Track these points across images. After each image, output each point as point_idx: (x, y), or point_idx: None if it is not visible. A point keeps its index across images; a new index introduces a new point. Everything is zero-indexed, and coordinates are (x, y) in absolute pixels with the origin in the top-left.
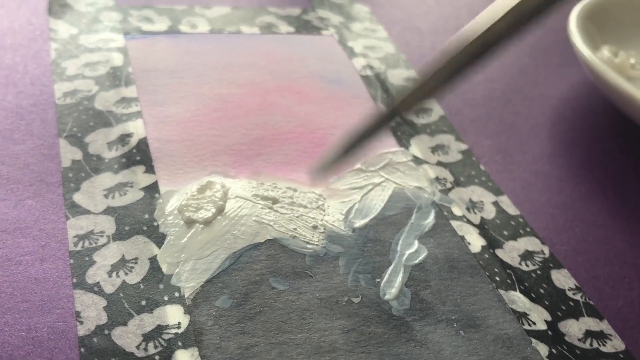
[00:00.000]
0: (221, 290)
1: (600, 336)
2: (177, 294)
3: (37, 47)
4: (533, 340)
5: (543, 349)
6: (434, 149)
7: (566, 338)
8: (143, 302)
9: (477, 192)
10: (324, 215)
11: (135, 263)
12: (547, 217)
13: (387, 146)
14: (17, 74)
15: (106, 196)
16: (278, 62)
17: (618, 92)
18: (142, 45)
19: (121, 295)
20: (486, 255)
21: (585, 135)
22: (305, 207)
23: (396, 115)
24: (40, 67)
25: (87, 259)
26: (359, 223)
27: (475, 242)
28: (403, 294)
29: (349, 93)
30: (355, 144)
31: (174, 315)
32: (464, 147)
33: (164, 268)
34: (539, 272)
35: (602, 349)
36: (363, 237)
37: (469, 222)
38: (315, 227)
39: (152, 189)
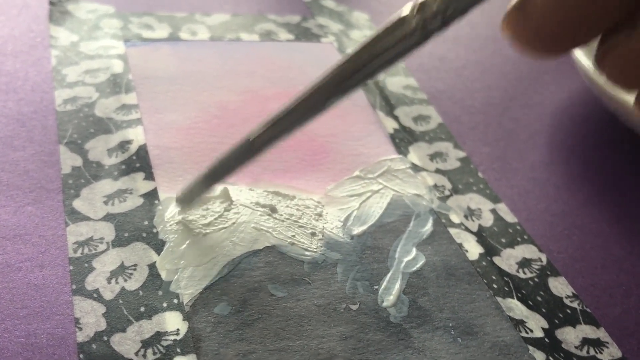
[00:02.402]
0: (220, 297)
1: (597, 344)
2: (175, 301)
3: (37, 54)
4: (530, 347)
5: (540, 357)
6: (433, 157)
7: (563, 346)
8: (142, 309)
9: (475, 200)
10: (323, 222)
11: (135, 270)
12: (544, 224)
13: (385, 153)
14: (17, 80)
15: (106, 203)
16: (277, 69)
17: (616, 100)
18: (142, 52)
19: (120, 301)
20: (484, 263)
21: (583, 143)
22: (304, 214)
23: (253, 149)
24: (41, 74)
25: (86, 265)
26: (357, 230)
27: (473, 250)
28: (401, 301)
29: (347, 101)
30: (217, 174)
31: (173, 322)
32: (462, 154)
33: (163, 275)
34: (536, 279)
35: (599, 356)
36: (361, 244)
37: (466, 229)
38: (313, 234)
39: (151, 196)
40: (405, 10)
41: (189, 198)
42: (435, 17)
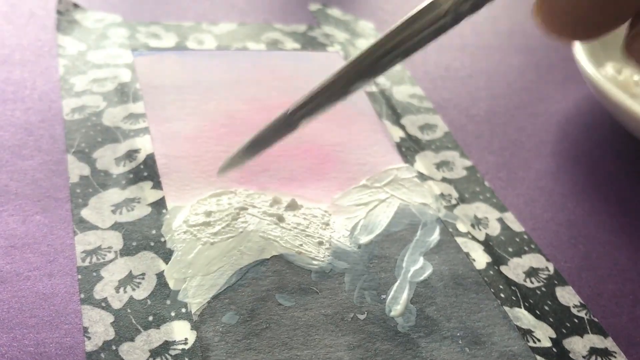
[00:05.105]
0: (228, 306)
1: (605, 353)
2: (184, 310)
3: (45, 63)
4: (538, 357)
5: None
6: (439, 166)
7: (571, 355)
8: (150, 318)
9: (481, 209)
10: (330, 231)
11: (143, 279)
12: (551, 233)
13: (392, 162)
14: (25, 89)
15: (114, 212)
16: (284, 78)
17: (622, 109)
18: (149, 61)
19: (128, 310)
20: (491, 272)
21: (589, 152)
22: (311, 223)
23: (290, 122)
24: (49, 83)
25: (94, 274)
26: (364, 239)
27: (480, 259)
28: (408, 310)
29: (354, 109)
30: (256, 146)
31: (181, 331)
32: (468, 163)
33: (171, 284)
34: (543, 289)
35: None
36: (368, 254)
37: (473, 238)
38: (320, 243)
39: (159, 205)
40: None
41: (228, 168)
42: (466, 1)
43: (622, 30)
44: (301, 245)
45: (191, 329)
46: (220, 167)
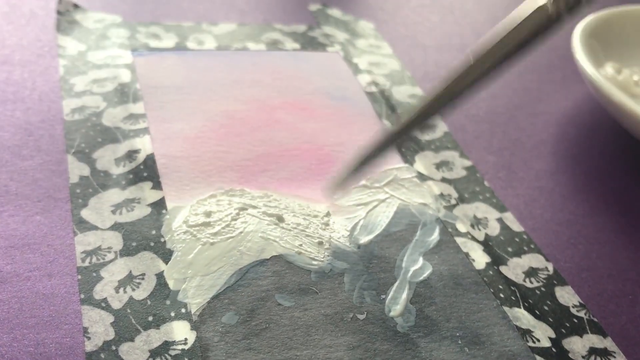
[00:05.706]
0: (227, 306)
1: (604, 353)
2: (183, 310)
3: (45, 64)
4: (537, 357)
5: None
6: (439, 166)
7: (570, 355)
8: (150, 318)
9: (481, 209)
10: (330, 231)
11: (142, 279)
12: (550, 234)
13: (391, 162)
14: (25, 90)
15: (114, 212)
16: (284, 78)
17: (621, 109)
18: (149, 61)
19: (128, 311)
20: (490, 272)
21: (589, 152)
22: (311, 223)
23: (403, 134)
24: (49, 83)
25: (94, 274)
26: (364, 239)
27: (480, 259)
28: (408, 310)
29: (354, 110)
30: (365, 162)
31: (181, 331)
32: (468, 163)
33: (171, 284)
34: (543, 289)
35: None
36: (368, 254)
37: (473, 238)
38: (320, 244)
39: (159, 205)
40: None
41: (339, 189)
42: (567, 3)
43: (622, 30)
44: (301, 245)
45: (191, 329)
46: (331, 189)
